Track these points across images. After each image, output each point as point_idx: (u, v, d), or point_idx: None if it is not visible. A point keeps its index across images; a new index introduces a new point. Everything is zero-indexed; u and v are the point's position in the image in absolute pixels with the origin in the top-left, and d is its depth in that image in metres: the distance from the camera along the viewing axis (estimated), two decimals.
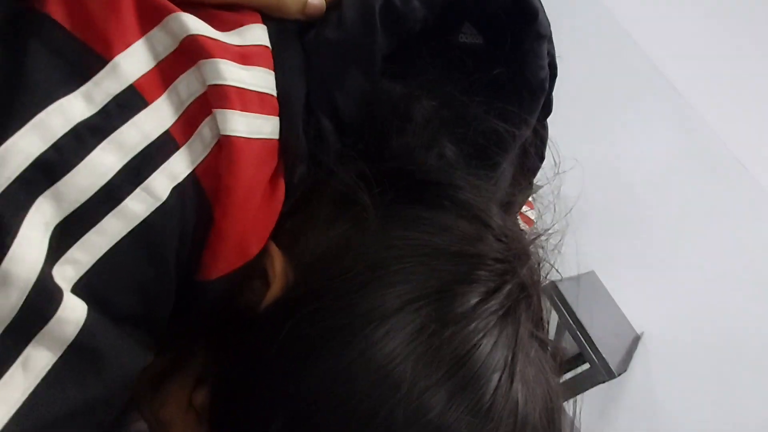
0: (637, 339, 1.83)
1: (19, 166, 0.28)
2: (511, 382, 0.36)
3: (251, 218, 0.36)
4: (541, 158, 0.52)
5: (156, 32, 0.33)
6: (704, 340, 1.84)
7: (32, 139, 0.28)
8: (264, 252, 0.38)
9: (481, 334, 0.36)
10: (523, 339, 0.38)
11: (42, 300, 0.28)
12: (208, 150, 0.34)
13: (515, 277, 0.39)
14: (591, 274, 1.94)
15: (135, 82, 0.31)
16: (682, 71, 2.14)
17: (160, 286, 0.34)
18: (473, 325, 0.36)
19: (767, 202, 1.94)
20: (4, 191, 0.27)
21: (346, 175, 0.40)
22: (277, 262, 0.39)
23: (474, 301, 0.37)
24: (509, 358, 0.37)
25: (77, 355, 0.30)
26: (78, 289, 0.30)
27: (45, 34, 0.31)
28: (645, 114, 2.10)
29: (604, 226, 1.79)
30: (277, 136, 0.36)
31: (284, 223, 0.39)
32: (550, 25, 0.45)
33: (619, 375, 1.50)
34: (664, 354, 1.87)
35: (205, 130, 0.33)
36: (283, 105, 0.36)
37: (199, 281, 0.36)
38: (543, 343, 0.41)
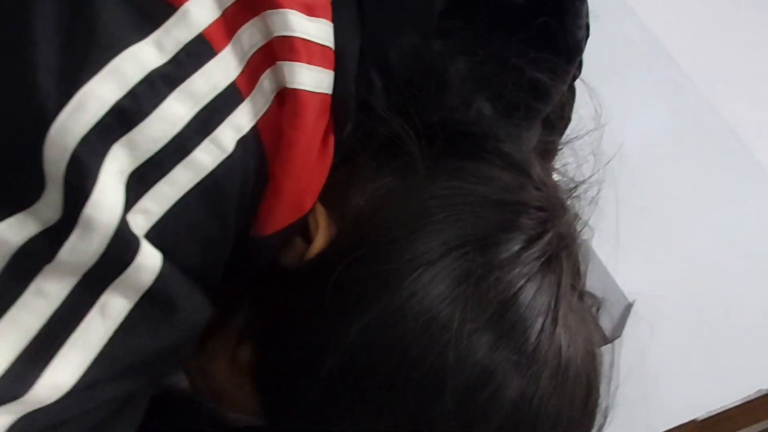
0: (629, 307, 1.86)
1: (98, 111, 0.28)
2: (555, 326, 0.38)
3: (308, 174, 0.36)
4: (568, 119, 0.53)
5: None
6: (696, 307, 1.87)
7: (109, 85, 0.28)
8: None
9: (524, 279, 0.37)
10: (565, 287, 0.40)
11: (122, 246, 0.28)
12: (269, 103, 0.34)
13: (555, 226, 0.41)
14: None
15: (204, 30, 0.31)
16: (681, 42, 2.13)
17: (220, 238, 0.34)
18: (517, 270, 0.37)
19: (761, 175, 1.96)
20: (84, 137, 0.27)
21: (395, 124, 0.40)
22: (321, 217, 0.40)
23: (517, 247, 0.38)
24: (552, 304, 0.38)
25: (152, 303, 0.30)
26: (148, 239, 0.30)
27: None
28: (641, 83, 2.11)
29: (597, 195, 1.81)
30: (331, 91, 0.36)
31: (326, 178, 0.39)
32: None
33: (613, 341, 1.53)
34: (656, 321, 1.90)
35: (265, 82, 0.33)
36: (339, 59, 0.36)
37: (253, 236, 0.36)
38: (582, 295, 0.43)
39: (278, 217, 0.36)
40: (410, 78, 0.42)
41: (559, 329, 0.38)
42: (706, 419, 1.45)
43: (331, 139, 0.38)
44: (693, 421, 1.37)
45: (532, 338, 0.36)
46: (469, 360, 0.35)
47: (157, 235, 0.31)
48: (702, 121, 2.08)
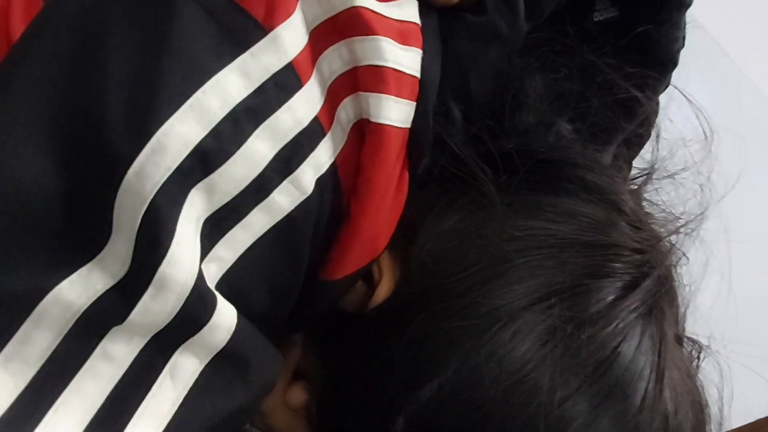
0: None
1: (179, 154, 0.25)
2: (660, 389, 0.32)
3: (385, 214, 0.33)
4: (648, 135, 0.48)
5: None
6: None
7: (191, 124, 0.25)
8: None
9: (622, 336, 0.32)
10: (668, 340, 0.35)
11: (198, 306, 0.26)
12: (346, 136, 0.31)
13: (655, 269, 0.35)
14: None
15: (294, 59, 0.28)
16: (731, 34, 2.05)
17: (290, 282, 0.31)
18: (612, 326, 0.32)
19: None
20: (164, 184, 0.24)
21: (468, 158, 0.36)
22: (385, 261, 0.36)
23: (611, 297, 0.33)
24: (655, 362, 0.33)
25: (225, 361, 0.28)
26: (219, 288, 0.28)
27: None
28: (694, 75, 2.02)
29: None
30: (410, 124, 0.32)
31: None
32: None
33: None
34: None
35: (342, 113, 0.30)
36: (423, 90, 0.32)
37: (322, 280, 0.33)
38: (681, 341, 0.38)
39: (351, 260, 0.33)
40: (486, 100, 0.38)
41: (666, 393, 0.33)
42: None
43: (406, 176, 0.34)
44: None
45: (635, 406, 0.31)
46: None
47: (228, 283, 0.28)
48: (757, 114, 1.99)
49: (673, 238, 0.39)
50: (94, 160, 0.24)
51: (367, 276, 0.35)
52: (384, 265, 0.35)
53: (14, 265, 0.24)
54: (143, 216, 0.24)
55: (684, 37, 0.44)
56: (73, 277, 0.24)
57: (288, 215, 0.29)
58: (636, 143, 0.46)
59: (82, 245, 0.24)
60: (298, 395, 0.40)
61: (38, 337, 0.24)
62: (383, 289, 0.35)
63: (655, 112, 0.49)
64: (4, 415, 0.23)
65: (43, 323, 0.24)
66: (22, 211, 0.24)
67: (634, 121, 0.43)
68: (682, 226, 0.39)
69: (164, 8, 0.26)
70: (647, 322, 0.34)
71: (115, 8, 0.27)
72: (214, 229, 0.27)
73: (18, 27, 0.41)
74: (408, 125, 0.32)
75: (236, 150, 0.26)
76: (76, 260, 0.24)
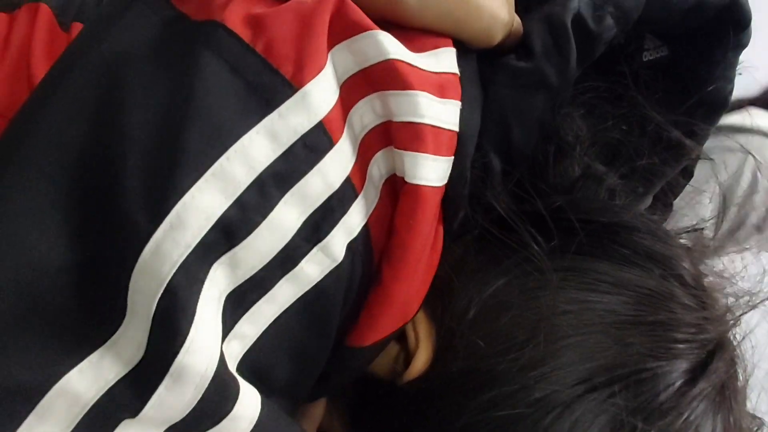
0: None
1: (200, 229, 0.23)
2: None
3: (420, 278, 0.30)
4: (690, 178, 0.45)
5: (344, 49, 0.27)
6: None
7: (214, 194, 0.23)
8: None
9: (694, 428, 0.29)
10: (741, 427, 0.31)
11: (219, 396, 0.23)
12: (378, 194, 0.28)
13: (722, 350, 0.31)
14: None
15: (324, 117, 0.26)
16: None
17: (318, 352, 0.29)
18: (684, 417, 0.29)
19: None
20: (183, 262, 0.22)
21: (512, 216, 0.33)
22: (421, 325, 0.32)
23: (679, 383, 0.29)
24: None
25: None
26: (241, 367, 0.25)
27: (220, 44, 0.25)
28: None
29: None
30: (446, 180, 0.30)
31: None
32: (751, 34, 0.38)
33: None
34: None
35: (374, 170, 0.28)
36: (461, 144, 0.30)
37: (350, 347, 0.31)
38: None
39: (382, 327, 0.30)
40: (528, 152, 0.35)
41: None
42: None
43: (441, 234, 0.31)
44: None
45: None
46: None
47: (251, 360, 0.26)
48: None
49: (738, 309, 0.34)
50: (110, 235, 0.22)
51: (401, 337, 0.33)
52: (421, 330, 0.32)
53: (19, 350, 0.22)
54: (159, 299, 0.22)
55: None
56: (83, 365, 0.22)
57: (317, 285, 0.26)
58: (676, 189, 0.43)
59: (93, 329, 0.22)
60: None
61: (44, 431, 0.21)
62: (420, 361, 0.32)
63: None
64: None
65: (49, 418, 0.21)
66: (29, 290, 0.22)
67: (678, 167, 0.40)
68: (760, 301, 0.34)
69: (187, 65, 0.24)
70: (718, 408, 0.30)
71: (138, 64, 0.25)
72: (238, 304, 0.25)
73: (40, 67, 0.40)
74: (445, 182, 0.29)
75: (262, 220, 0.24)
76: (86, 345, 0.22)
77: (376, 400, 0.34)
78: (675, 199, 0.44)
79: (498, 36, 0.31)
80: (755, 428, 0.35)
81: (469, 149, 0.30)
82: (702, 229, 0.38)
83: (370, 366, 0.33)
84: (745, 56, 0.40)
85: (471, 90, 0.30)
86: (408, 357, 0.32)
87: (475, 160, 0.31)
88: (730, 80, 0.40)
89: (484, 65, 0.32)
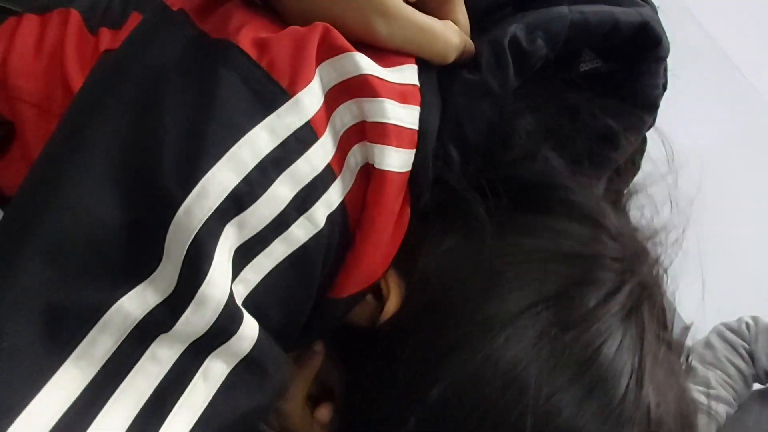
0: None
1: (218, 197, 0.31)
2: (641, 385, 0.36)
3: (384, 245, 0.39)
4: (638, 168, 0.53)
5: (329, 66, 0.35)
6: None
7: (228, 173, 0.31)
8: None
9: (603, 337, 0.36)
10: (649, 340, 0.38)
11: (229, 319, 0.31)
12: (354, 179, 0.36)
13: (635, 276, 0.39)
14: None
15: (311, 118, 0.34)
16: (741, 46, 2.06)
17: (303, 301, 0.37)
18: (594, 327, 0.36)
19: None
20: (206, 221, 0.30)
21: (463, 189, 0.41)
22: (391, 278, 0.41)
23: (593, 303, 0.37)
24: (636, 361, 0.37)
25: (247, 368, 0.33)
26: (244, 305, 0.33)
27: (234, 62, 0.33)
28: (703, 90, 2.03)
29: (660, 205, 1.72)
30: (410, 168, 0.38)
31: None
32: (669, 48, 0.46)
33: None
34: None
35: (351, 159, 0.36)
36: (422, 139, 0.38)
37: (329, 298, 0.39)
38: (669, 345, 0.42)
39: (354, 282, 0.39)
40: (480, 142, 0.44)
41: (647, 388, 0.36)
42: None
43: (407, 211, 0.40)
44: None
45: (616, 400, 0.35)
46: (549, 425, 0.35)
47: (252, 300, 0.34)
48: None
49: (659, 249, 0.44)
50: (152, 201, 0.30)
51: (377, 293, 0.41)
52: (391, 282, 0.41)
53: (86, 282, 0.30)
54: (189, 246, 0.30)
55: (665, 84, 0.49)
56: (132, 294, 0.30)
57: (303, 245, 0.34)
58: (624, 174, 0.52)
59: (139, 268, 0.30)
60: (325, 414, 0.46)
61: (102, 341, 0.30)
62: (391, 304, 0.40)
63: (641, 150, 0.54)
64: (74, 402, 0.29)
65: (107, 330, 0.30)
66: (95, 240, 0.30)
67: (620, 153, 0.48)
68: (653, 235, 0.43)
69: (210, 77, 0.33)
70: (628, 323, 0.38)
71: (172, 76, 0.33)
72: (243, 256, 0.33)
73: (73, 66, 0.47)
74: (408, 169, 0.38)
75: (263, 193, 0.32)
76: (134, 280, 0.30)
77: (360, 346, 0.42)
78: (625, 185, 0.53)
79: (451, 56, 0.39)
80: (685, 356, 0.43)
81: (428, 143, 0.38)
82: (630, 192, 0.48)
83: (356, 318, 0.42)
84: None
85: (430, 97, 0.38)
86: (383, 305, 0.41)
87: (437, 152, 0.40)
88: (657, 86, 0.48)
89: (444, 77, 0.40)
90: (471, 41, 0.41)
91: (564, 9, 0.42)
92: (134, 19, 0.50)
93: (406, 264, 0.41)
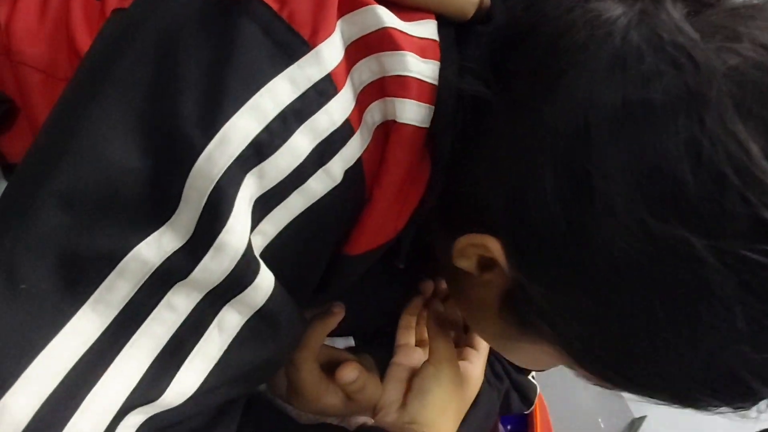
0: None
1: (240, 145, 0.31)
2: None
3: (401, 199, 0.38)
4: None
5: (349, 20, 0.34)
6: None
7: (250, 121, 0.31)
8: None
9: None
10: None
11: (246, 268, 0.31)
12: (371, 135, 0.36)
13: None
14: None
15: (332, 71, 0.33)
16: None
17: (319, 255, 0.37)
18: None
19: None
20: (228, 168, 0.30)
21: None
22: (489, 242, 0.37)
23: None
24: None
25: (261, 320, 0.33)
26: (262, 255, 0.33)
27: (254, 12, 0.33)
28: None
29: None
30: (428, 125, 0.38)
31: None
32: None
33: None
34: None
35: (368, 116, 0.36)
36: (441, 95, 0.37)
37: (345, 255, 0.39)
38: None
39: (369, 239, 0.39)
40: None
41: None
42: None
43: (426, 168, 0.39)
44: None
45: None
46: None
47: (270, 252, 0.34)
48: None
49: None
50: (172, 147, 0.30)
51: (486, 266, 0.38)
52: (489, 244, 0.36)
53: (104, 227, 0.30)
54: (210, 193, 0.30)
55: None
56: (149, 239, 0.30)
57: (320, 199, 0.34)
58: None
59: (156, 213, 0.30)
60: (350, 373, 0.48)
61: (120, 286, 0.29)
62: (501, 261, 0.36)
63: None
64: (92, 346, 0.29)
65: (124, 275, 0.29)
66: (112, 185, 0.30)
67: None
68: None
69: (231, 28, 0.32)
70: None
71: (192, 26, 0.33)
72: (262, 207, 0.33)
73: (80, 30, 0.47)
74: (427, 125, 0.37)
75: (283, 143, 0.32)
76: (152, 225, 0.30)
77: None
78: None
79: (470, 12, 0.38)
80: None
81: (448, 99, 0.37)
82: None
83: (488, 299, 0.39)
84: None
85: (449, 52, 0.38)
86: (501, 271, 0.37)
87: (458, 106, 0.38)
88: None
89: (459, 30, 0.39)
90: None
91: None
92: None
93: (482, 221, 0.37)
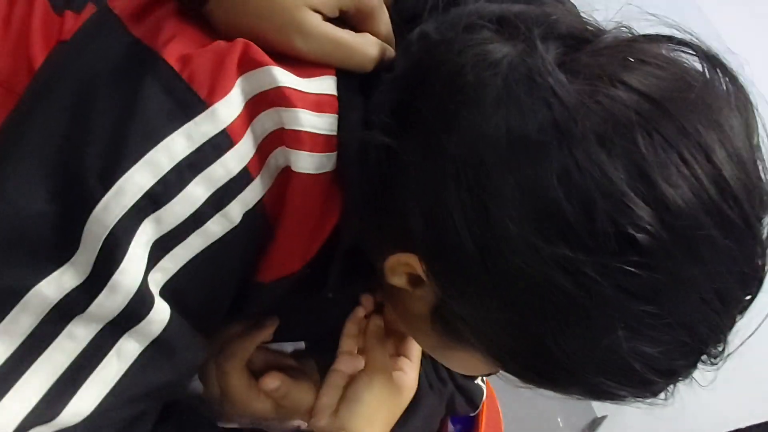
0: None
1: (133, 196, 0.34)
2: None
3: (303, 236, 0.42)
4: None
5: (248, 78, 0.38)
6: None
7: (145, 175, 0.34)
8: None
9: None
10: None
11: (139, 304, 0.35)
12: (273, 180, 0.40)
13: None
14: None
15: (228, 126, 0.37)
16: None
17: (223, 286, 0.41)
18: None
19: None
20: (122, 217, 0.34)
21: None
22: (412, 261, 0.40)
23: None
24: None
25: (158, 348, 0.37)
26: (164, 291, 0.37)
27: (158, 73, 0.36)
28: None
29: None
30: (329, 169, 0.41)
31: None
32: None
33: None
34: None
35: (272, 162, 0.39)
36: (343, 142, 0.40)
37: (255, 282, 0.43)
38: None
39: (276, 269, 0.43)
40: None
41: None
42: None
43: (335, 206, 0.42)
44: None
45: None
46: None
47: (171, 287, 0.37)
48: None
49: None
50: (73, 195, 0.34)
51: (415, 282, 0.42)
52: (413, 263, 0.40)
53: (11, 266, 0.33)
54: (104, 239, 0.33)
55: None
56: (50, 278, 0.33)
57: (219, 239, 0.38)
58: None
59: (57, 255, 0.34)
60: (271, 381, 0.53)
61: (22, 319, 0.33)
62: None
63: None
64: None
65: (27, 309, 0.33)
66: (17, 229, 0.34)
67: None
68: None
69: (134, 87, 0.36)
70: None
71: (105, 81, 0.37)
72: (161, 248, 0.36)
73: (38, 47, 0.50)
74: (325, 170, 0.40)
75: (178, 193, 0.35)
76: (52, 266, 0.34)
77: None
78: None
79: (369, 66, 0.42)
80: None
81: (351, 143, 0.40)
82: None
83: (418, 309, 0.43)
84: None
85: (349, 103, 0.40)
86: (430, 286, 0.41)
87: (366, 147, 0.40)
88: None
89: (368, 77, 0.42)
90: (391, 49, 0.44)
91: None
92: (89, 10, 0.53)
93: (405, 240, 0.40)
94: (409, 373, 0.62)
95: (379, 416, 0.58)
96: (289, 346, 0.69)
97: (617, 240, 0.32)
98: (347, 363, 0.63)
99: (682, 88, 0.34)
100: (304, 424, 0.61)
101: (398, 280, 0.43)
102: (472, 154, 0.35)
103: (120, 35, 0.40)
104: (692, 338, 0.35)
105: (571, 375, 0.37)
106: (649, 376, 0.35)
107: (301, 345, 0.70)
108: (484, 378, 0.85)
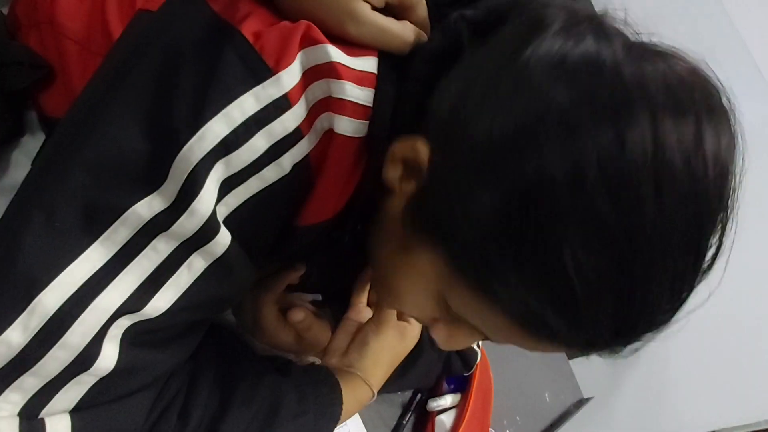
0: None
1: (212, 141, 0.43)
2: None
3: (337, 189, 0.51)
4: None
5: (307, 53, 0.46)
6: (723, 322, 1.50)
7: (222, 125, 0.43)
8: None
9: None
10: None
11: (209, 229, 0.44)
12: (318, 139, 0.48)
13: None
14: None
15: (288, 92, 0.45)
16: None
17: (271, 223, 0.50)
18: None
19: None
20: (202, 158, 0.42)
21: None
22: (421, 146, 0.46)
23: None
24: None
25: (220, 266, 0.46)
26: (226, 221, 0.46)
27: (235, 43, 0.45)
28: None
29: None
30: (363, 134, 0.49)
31: None
32: None
33: None
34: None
35: (318, 124, 0.48)
36: (375, 113, 0.49)
37: (295, 225, 0.52)
38: None
39: (313, 215, 0.52)
40: None
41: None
42: None
43: (362, 165, 0.51)
44: None
45: None
46: None
47: (232, 218, 0.46)
48: None
49: None
50: (165, 137, 0.43)
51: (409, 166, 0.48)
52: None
53: (114, 189, 0.42)
54: (188, 174, 0.42)
55: None
56: (144, 201, 0.42)
57: (272, 183, 0.46)
58: None
59: (150, 183, 0.43)
60: (298, 314, 0.62)
61: (121, 231, 0.42)
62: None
63: None
64: (97, 271, 0.42)
65: (125, 223, 0.42)
66: (120, 160, 0.42)
67: None
68: None
69: (216, 54, 0.44)
70: None
71: (189, 49, 0.45)
72: (228, 186, 0.45)
73: (115, 21, 0.58)
74: (360, 135, 0.49)
75: (245, 143, 0.44)
76: (146, 191, 0.42)
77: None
78: None
79: (407, 50, 0.50)
80: None
81: (381, 115, 0.49)
82: None
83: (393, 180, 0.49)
84: None
85: (385, 81, 0.49)
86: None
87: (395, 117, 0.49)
88: None
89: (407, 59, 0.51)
90: (425, 34, 0.52)
91: None
92: None
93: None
94: (415, 324, 0.71)
95: (383, 359, 0.67)
96: (308, 298, 0.78)
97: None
98: (358, 312, 0.72)
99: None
100: (318, 361, 0.70)
101: (393, 172, 0.49)
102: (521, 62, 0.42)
103: (202, 8, 0.48)
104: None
105: (511, 296, 0.42)
106: (551, 322, 0.41)
107: (319, 297, 0.79)
108: (479, 343, 0.94)
